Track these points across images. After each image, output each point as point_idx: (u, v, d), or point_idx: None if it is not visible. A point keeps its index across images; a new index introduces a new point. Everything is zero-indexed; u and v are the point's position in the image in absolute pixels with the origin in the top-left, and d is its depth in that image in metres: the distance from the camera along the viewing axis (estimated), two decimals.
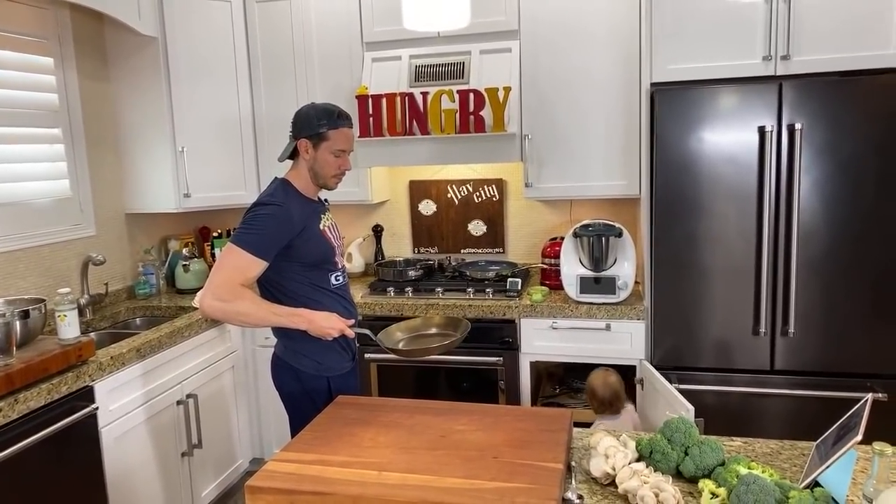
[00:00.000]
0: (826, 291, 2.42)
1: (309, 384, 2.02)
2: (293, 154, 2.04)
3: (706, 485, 1.25)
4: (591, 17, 2.81)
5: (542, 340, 2.78)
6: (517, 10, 2.88)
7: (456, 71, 2.95)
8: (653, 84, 2.55)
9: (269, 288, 2.00)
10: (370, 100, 2.90)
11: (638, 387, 2.67)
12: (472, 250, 3.42)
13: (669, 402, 2.31)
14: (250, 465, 3.17)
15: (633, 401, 2.69)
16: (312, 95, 3.16)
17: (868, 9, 2.34)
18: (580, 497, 1.26)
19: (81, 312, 2.79)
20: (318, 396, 2.01)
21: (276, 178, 2.05)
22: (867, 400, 1.29)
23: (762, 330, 2.48)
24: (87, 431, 2.16)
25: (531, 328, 2.78)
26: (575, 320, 2.72)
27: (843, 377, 2.45)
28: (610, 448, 1.34)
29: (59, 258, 2.78)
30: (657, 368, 2.54)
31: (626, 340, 2.70)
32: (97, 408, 2.18)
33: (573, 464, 1.39)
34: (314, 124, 1.96)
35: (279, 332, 2.05)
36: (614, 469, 1.30)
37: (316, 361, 2.01)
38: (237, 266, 1.84)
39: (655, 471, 1.33)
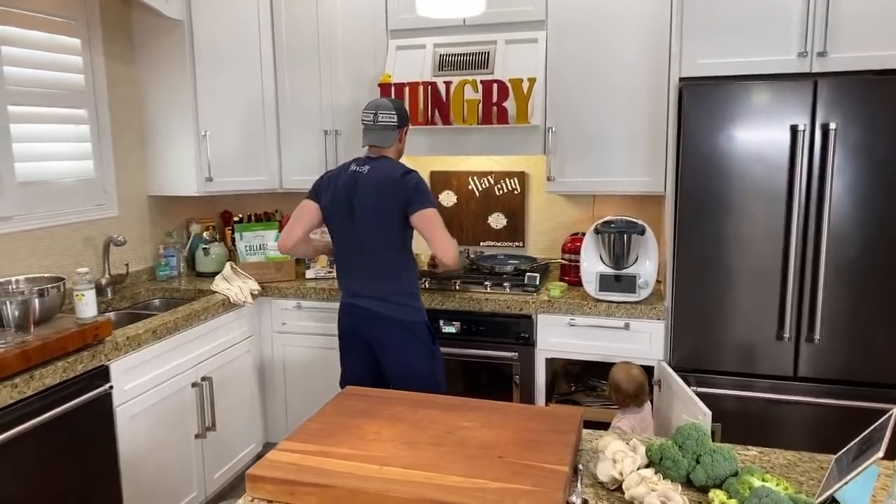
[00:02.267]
0: (855, 297, 2.34)
1: (417, 333, 2.35)
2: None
3: (717, 495, 1.20)
4: (621, 8, 2.74)
5: (559, 337, 2.74)
6: None
7: (480, 60, 2.91)
8: (682, 79, 2.48)
9: (403, 248, 2.33)
10: (393, 88, 2.87)
11: (655, 388, 2.61)
12: (492, 243, 3.39)
13: (686, 405, 2.25)
14: (264, 449, 3.20)
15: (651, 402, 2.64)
16: (336, 82, 3.15)
17: None
18: (585, 501, 1.23)
19: (102, 292, 2.83)
20: (425, 339, 2.36)
21: (382, 156, 2.35)
22: (892, 414, 1.23)
23: (786, 335, 2.41)
24: (102, 410, 2.18)
25: (548, 324, 2.74)
26: (593, 318, 2.68)
27: (869, 387, 2.37)
28: (618, 453, 1.30)
29: (80, 238, 2.81)
30: (676, 370, 2.48)
31: (645, 340, 2.64)
32: (112, 387, 2.20)
33: (580, 466, 1.35)
34: (407, 115, 2.43)
35: (394, 292, 2.31)
36: (622, 474, 1.27)
37: (415, 308, 2.36)
38: (440, 217, 2.27)
39: (665, 478, 1.29)
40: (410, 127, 2.86)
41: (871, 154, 2.26)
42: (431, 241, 2.23)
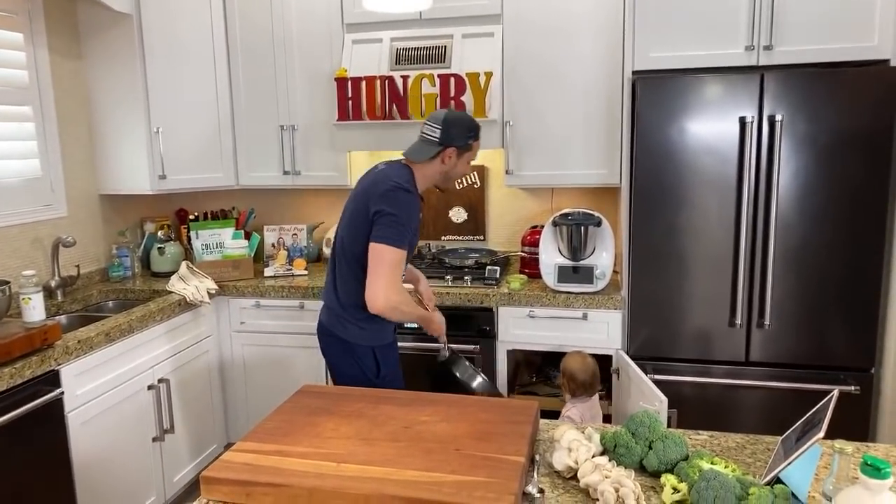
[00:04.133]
0: (802, 284, 2.42)
1: (357, 354, 2.09)
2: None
3: (668, 480, 1.23)
4: (575, 2, 2.77)
5: (520, 329, 2.77)
6: None
7: (437, 55, 2.91)
8: (635, 72, 2.52)
9: (360, 271, 2.01)
10: (349, 83, 2.85)
11: (614, 377, 2.67)
12: (453, 237, 3.39)
13: (643, 392, 2.30)
14: (225, 450, 3.15)
15: (609, 391, 2.69)
16: (291, 76, 3.11)
17: (852, 0, 2.31)
18: (541, 491, 1.24)
19: (52, 295, 2.74)
20: (367, 367, 2.09)
21: (397, 162, 2.12)
22: (832, 396, 1.27)
23: (738, 321, 2.48)
24: (53, 416, 2.12)
25: (509, 316, 2.77)
26: (552, 309, 2.71)
27: (816, 370, 2.45)
28: (573, 442, 1.32)
29: (27, 239, 2.72)
30: (633, 359, 2.53)
31: (603, 330, 2.69)
32: (62, 392, 2.14)
33: (537, 457, 1.37)
34: (465, 136, 2.09)
35: (339, 304, 2.09)
36: (577, 463, 1.29)
37: (360, 328, 2.07)
38: (398, 263, 1.94)
39: (619, 465, 1.32)
40: (368, 121, 2.85)
41: (816, 145, 2.33)
42: (367, 276, 1.94)
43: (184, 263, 3.04)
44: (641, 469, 1.33)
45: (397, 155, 3.32)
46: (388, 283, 1.92)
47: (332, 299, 2.13)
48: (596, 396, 2.48)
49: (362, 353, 2.08)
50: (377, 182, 2.02)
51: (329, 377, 2.36)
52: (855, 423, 2.42)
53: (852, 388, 2.38)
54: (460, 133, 2.07)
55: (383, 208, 1.94)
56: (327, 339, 2.14)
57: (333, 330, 2.10)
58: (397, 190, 1.97)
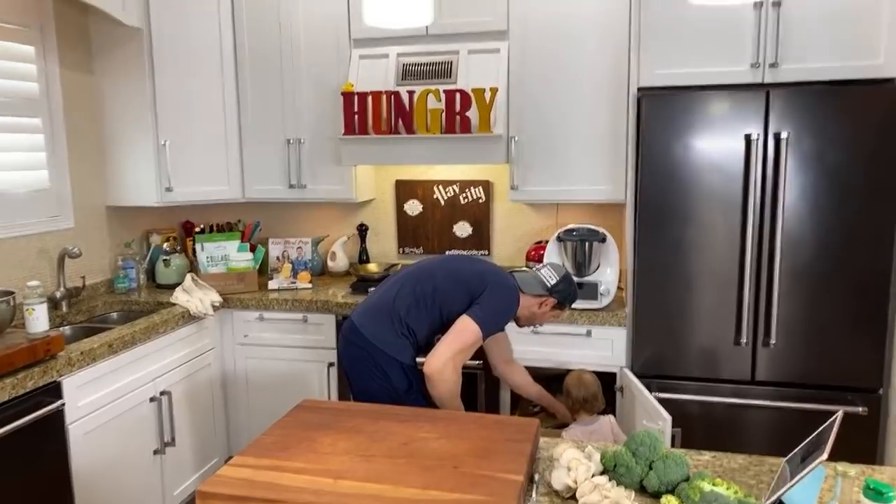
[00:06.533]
0: (809, 302, 2.40)
1: (387, 366, 2.09)
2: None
3: (669, 501, 1.22)
4: (581, 19, 2.78)
5: (523, 345, 2.75)
6: (506, 10, 2.85)
7: (443, 70, 2.92)
8: (640, 89, 2.52)
9: (437, 313, 2.09)
10: (356, 97, 2.86)
11: (618, 394, 2.64)
12: (458, 252, 3.39)
13: (647, 410, 2.28)
14: (226, 463, 3.13)
15: (613, 409, 2.66)
16: (299, 91, 3.13)
17: (858, 18, 2.31)
18: None
19: (57, 306, 2.75)
20: (397, 381, 2.10)
21: (514, 282, 2.16)
22: (836, 417, 1.26)
23: (743, 340, 2.45)
24: (54, 427, 2.12)
25: (513, 333, 2.74)
26: (556, 325, 2.69)
27: (823, 389, 2.42)
28: (573, 461, 1.30)
29: (34, 250, 2.74)
30: (638, 376, 2.51)
31: (607, 347, 2.67)
32: (64, 404, 2.14)
33: (536, 476, 1.36)
34: (567, 297, 2.24)
35: (401, 321, 2.09)
36: (576, 482, 1.27)
37: (403, 343, 2.09)
38: (473, 345, 2.01)
39: (619, 485, 1.30)
40: (374, 136, 2.87)
41: (822, 162, 2.32)
42: (442, 339, 2.00)
43: (188, 275, 3.05)
44: (642, 489, 1.31)
45: (406, 169, 3.37)
46: (454, 356, 1.96)
47: (389, 310, 2.10)
48: (603, 422, 2.42)
49: (391, 365, 2.07)
50: (500, 275, 2.14)
51: (338, 391, 2.32)
52: (862, 444, 2.38)
53: (860, 408, 2.35)
54: (568, 294, 2.23)
55: (493, 296, 2.06)
56: (356, 350, 2.10)
57: (376, 341, 2.07)
58: (512, 292, 2.11)
